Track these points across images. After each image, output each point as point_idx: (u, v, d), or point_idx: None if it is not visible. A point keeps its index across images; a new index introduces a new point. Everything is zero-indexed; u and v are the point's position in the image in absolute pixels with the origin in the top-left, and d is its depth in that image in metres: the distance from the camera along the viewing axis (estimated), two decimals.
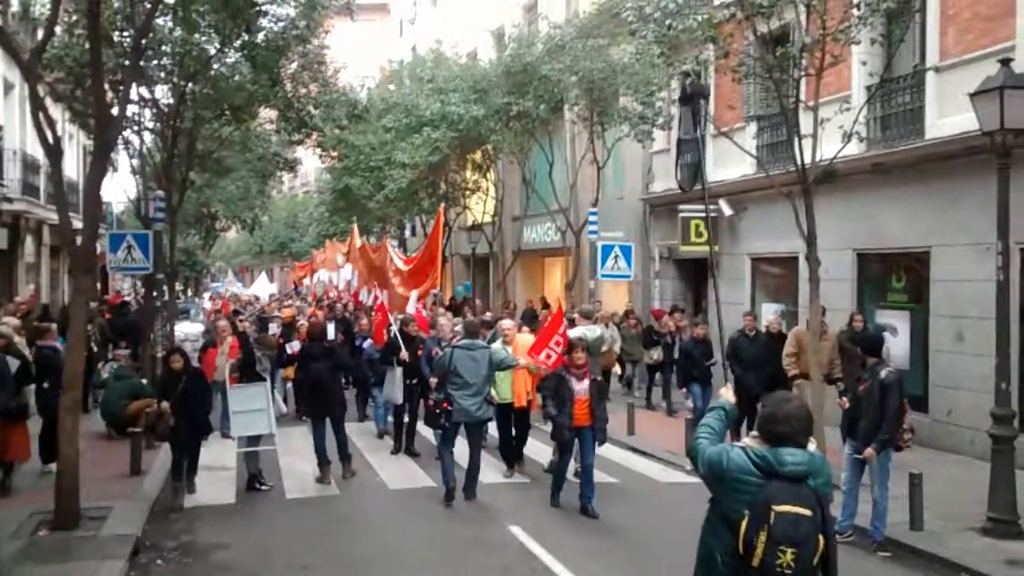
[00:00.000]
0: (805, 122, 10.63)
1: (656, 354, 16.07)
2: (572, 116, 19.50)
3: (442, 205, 22.59)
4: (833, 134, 10.58)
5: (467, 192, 25.76)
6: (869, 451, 8.04)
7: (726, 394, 4.65)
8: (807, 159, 10.49)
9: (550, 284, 26.59)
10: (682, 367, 14.30)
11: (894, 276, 13.60)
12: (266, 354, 12.03)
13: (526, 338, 11.33)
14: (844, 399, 8.98)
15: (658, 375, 16.54)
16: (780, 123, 13.22)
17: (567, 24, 19.26)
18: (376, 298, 15.26)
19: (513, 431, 11.22)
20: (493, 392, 10.48)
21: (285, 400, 15.42)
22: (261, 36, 15.12)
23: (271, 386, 11.49)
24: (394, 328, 12.40)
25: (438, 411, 9.84)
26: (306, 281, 39.18)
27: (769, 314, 13.93)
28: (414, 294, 15.77)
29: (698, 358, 13.69)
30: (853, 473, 8.34)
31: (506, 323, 11.66)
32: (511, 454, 11.22)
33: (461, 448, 10.03)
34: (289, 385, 15.37)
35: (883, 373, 8.09)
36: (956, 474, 10.62)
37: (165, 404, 9.74)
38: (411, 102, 22.78)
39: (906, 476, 8.46)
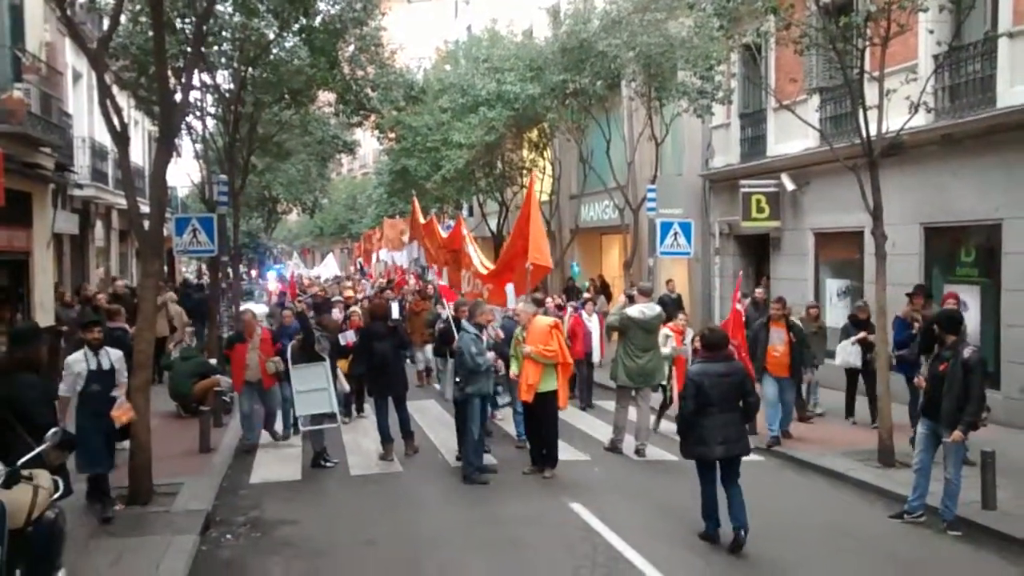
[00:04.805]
0: (870, 93, 10.36)
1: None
2: (629, 92, 19.26)
3: (532, 172, 21.21)
4: (900, 105, 10.30)
5: (524, 171, 25.71)
6: (957, 434, 7.60)
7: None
8: (872, 131, 10.24)
9: (608, 262, 26.45)
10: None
11: (963, 250, 13.23)
12: (326, 336, 12.09)
13: (543, 321, 10.25)
14: (921, 378, 8.73)
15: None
16: (844, 95, 12.93)
17: None
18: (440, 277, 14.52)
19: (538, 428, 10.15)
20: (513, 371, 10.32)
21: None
22: (319, 20, 15.29)
23: (332, 367, 11.37)
24: (446, 313, 11.76)
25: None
26: (359, 261, 39.41)
27: None
28: (510, 288, 13.29)
29: None
30: (927, 453, 8.08)
31: (520, 306, 10.74)
32: (536, 454, 10.17)
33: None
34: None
35: (966, 352, 7.71)
36: None
37: None
38: (467, 82, 22.75)
39: (977, 454, 8.25)
